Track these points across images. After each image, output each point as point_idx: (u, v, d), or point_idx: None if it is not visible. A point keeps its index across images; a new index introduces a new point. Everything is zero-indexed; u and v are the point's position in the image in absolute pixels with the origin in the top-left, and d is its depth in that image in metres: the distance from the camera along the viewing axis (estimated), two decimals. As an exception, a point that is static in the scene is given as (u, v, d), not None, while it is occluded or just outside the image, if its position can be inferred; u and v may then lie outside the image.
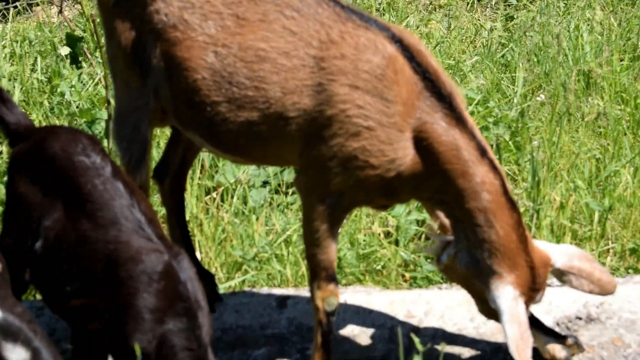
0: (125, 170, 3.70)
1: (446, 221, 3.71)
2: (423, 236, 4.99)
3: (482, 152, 3.42)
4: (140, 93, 3.84)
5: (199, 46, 3.58)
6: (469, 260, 3.53)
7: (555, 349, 3.78)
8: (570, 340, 3.83)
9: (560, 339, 3.82)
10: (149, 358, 3.08)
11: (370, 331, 4.08)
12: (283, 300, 4.28)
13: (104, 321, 3.18)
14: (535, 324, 3.77)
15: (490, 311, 3.56)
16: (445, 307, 4.20)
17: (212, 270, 4.56)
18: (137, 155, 3.88)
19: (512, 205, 3.46)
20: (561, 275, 3.62)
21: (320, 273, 3.65)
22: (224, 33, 3.57)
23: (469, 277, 3.59)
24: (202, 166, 5.29)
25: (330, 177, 3.52)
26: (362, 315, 4.14)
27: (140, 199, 3.37)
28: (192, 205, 5.01)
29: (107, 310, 3.17)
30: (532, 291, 3.49)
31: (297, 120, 3.50)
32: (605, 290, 3.64)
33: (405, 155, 3.44)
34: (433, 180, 3.50)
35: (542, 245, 3.62)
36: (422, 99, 3.42)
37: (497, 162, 3.50)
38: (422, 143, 3.43)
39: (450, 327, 4.10)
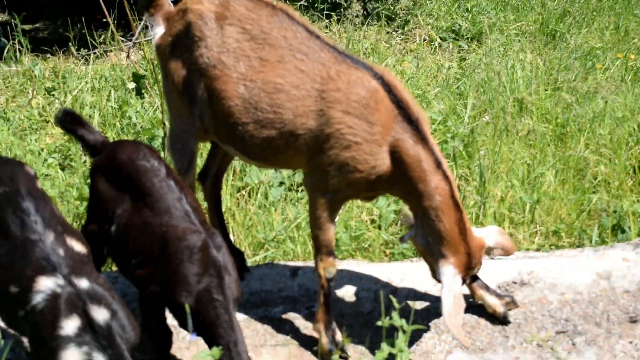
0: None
1: (410, 213, 3.73)
2: (399, 223, 4.99)
3: (438, 165, 3.46)
4: (188, 118, 3.87)
5: (232, 81, 3.61)
6: (424, 242, 3.58)
7: (496, 305, 3.82)
8: (507, 299, 3.88)
9: (500, 297, 3.86)
10: (192, 310, 3.17)
11: (359, 293, 4.09)
12: (295, 270, 4.30)
13: (160, 285, 3.25)
14: (482, 286, 3.84)
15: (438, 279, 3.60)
16: (416, 275, 4.21)
17: (242, 249, 4.59)
18: (187, 164, 3.92)
19: (457, 206, 3.48)
20: (489, 251, 3.68)
21: (322, 249, 3.69)
22: (251, 71, 3.59)
23: (424, 253, 3.63)
24: (234, 171, 5.29)
25: (329, 178, 3.55)
26: (354, 282, 4.16)
27: (187, 193, 3.44)
28: (226, 200, 5.02)
29: (162, 276, 3.24)
30: (468, 269, 3.53)
31: (304, 136, 3.53)
32: (510, 254, 3.74)
33: (383, 164, 3.48)
34: (401, 183, 3.52)
35: (477, 232, 3.64)
36: (397, 123, 3.45)
37: (449, 172, 3.52)
38: (395, 155, 3.47)
39: (419, 290, 4.13)
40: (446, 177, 3.47)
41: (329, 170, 3.53)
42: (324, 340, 3.72)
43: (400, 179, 3.52)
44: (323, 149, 3.51)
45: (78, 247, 3.14)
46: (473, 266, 3.56)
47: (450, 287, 3.46)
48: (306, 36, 3.61)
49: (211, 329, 3.19)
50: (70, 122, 3.75)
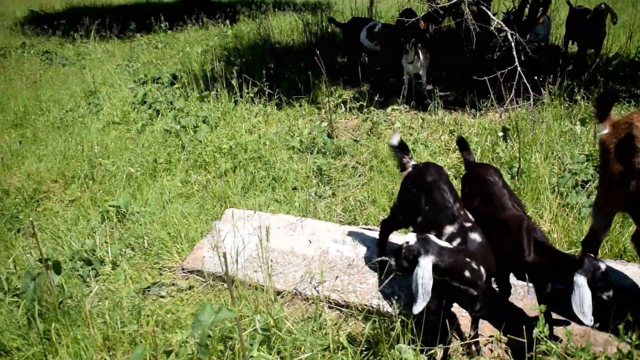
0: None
1: None
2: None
3: None
4: (611, 201, 3.30)
5: None
6: None
7: None
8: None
9: None
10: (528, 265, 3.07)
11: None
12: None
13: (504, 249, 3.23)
14: None
15: None
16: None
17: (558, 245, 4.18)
18: (604, 226, 3.43)
19: None
20: None
21: None
22: None
23: None
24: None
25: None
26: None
27: (513, 196, 3.44)
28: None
29: (504, 243, 3.22)
30: None
31: None
32: None
33: None
34: None
35: None
36: None
37: None
38: None
39: None
40: None
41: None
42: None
43: None
44: None
45: (466, 214, 3.33)
46: None
47: None
48: None
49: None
50: (461, 144, 3.94)
